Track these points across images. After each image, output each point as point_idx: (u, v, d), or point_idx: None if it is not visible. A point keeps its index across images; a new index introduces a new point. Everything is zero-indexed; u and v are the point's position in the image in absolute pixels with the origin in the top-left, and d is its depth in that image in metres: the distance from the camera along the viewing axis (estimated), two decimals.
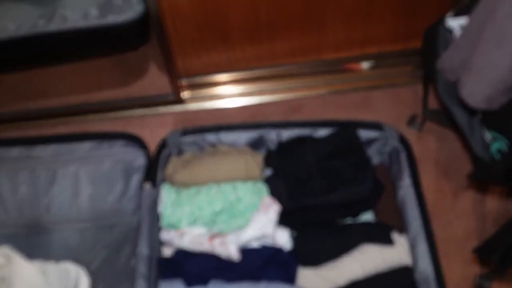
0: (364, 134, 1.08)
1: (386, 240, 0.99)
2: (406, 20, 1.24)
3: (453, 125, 1.05)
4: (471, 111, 0.90)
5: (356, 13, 1.22)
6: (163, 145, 1.07)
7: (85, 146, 1.11)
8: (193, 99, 1.35)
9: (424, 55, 1.05)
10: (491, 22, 0.72)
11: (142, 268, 0.92)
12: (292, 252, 0.98)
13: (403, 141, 1.06)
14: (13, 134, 1.24)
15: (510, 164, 0.79)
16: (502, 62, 0.73)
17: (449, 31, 0.96)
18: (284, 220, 1.00)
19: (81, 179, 1.09)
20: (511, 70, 0.72)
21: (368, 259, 0.98)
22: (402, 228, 1.01)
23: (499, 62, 0.74)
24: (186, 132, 1.08)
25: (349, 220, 1.05)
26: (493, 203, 1.17)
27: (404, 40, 1.30)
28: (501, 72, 0.74)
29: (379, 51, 1.32)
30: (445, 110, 1.01)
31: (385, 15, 1.23)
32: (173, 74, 1.24)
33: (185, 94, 1.35)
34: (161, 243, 1.01)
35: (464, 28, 0.83)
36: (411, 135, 1.25)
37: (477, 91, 0.79)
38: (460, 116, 0.94)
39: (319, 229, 1.01)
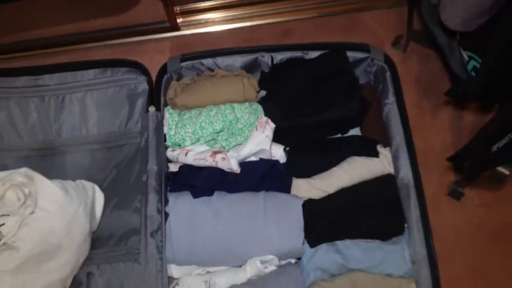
0: (352, 55, 1.12)
1: (372, 152, 1.08)
2: None
3: (435, 46, 1.11)
4: (451, 33, 0.97)
5: None
6: (163, 70, 1.12)
7: (90, 74, 1.15)
8: (188, 25, 1.38)
9: None
10: None
11: (153, 182, 1.00)
12: (286, 165, 1.06)
13: (388, 61, 1.11)
14: (16, 64, 1.26)
15: (482, 81, 0.87)
16: None
17: None
18: (278, 137, 1.07)
19: (88, 105, 1.14)
20: None
21: (355, 169, 1.06)
22: (386, 142, 1.09)
23: None
24: (185, 58, 1.12)
25: (338, 136, 1.12)
26: (469, 118, 1.26)
27: None
28: None
29: None
30: (427, 31, 1.07)
31: None
32: (169, 1, 1.26)
33: (180, 21, 1.37)
34: (167, 161, 1.09)
35: None
36: (395, 55, 1.30)
37: (454, 14, 0.85)
38: (441, 38, 1.01)
39: (311, 144, 1.08)
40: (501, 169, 0.96)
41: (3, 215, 0.92)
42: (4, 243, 0.90)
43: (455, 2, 0.84)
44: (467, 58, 0.96)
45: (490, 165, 0.96)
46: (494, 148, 0.86)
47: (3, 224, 0.92)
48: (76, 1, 1.31)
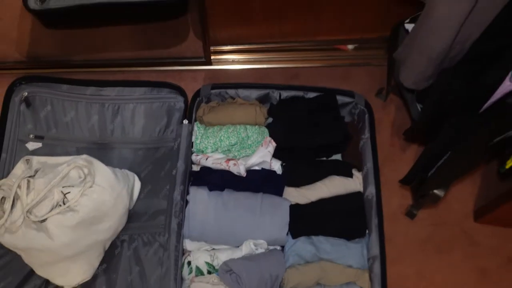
0: (341, 98, 1.33)
1: (348, 173, 1.28)
2: (383, 15, 1.52)
3: (402, 98, 1.40)
4: (410, 90, 1.25)
5: (347, 6, 1.51)
6: (197, 94, 1.35)
7: (141, 90, 1.38)
8: (218, 62, 1.62)
9: (389, 47, 1.35)
10: (416, 36, 1.08)
11: (180, 176, 1.22)
12: (281, 176, 1.26)
13: (367, 105, 1.32)
14: (84, 76, 1.48)
15: (422, 122, 1.15)
16: (421, 61, 1.07)
17: (406, 32, 1.26)
18: (278, 154, 1.26)
19: (137, 114, 1.39)
20: (427, 67, 1.06)
21: (334, 185, 1.25)
22: (360, 167, 1.30)
23: (419, 61, 1.07)
24: (214, 86, 1.35)
25: (323, 158, 1.35)
26: None
27: (381, 30, 1.56)
28: (420, 68, 1.08)
29: (361, 37, 1.61)
30: (398, 87, 1.36)
31: (368, 11, 1.53)
32: (207, 42, 1.51)
33: (212, 58, 1.61)
34: (192, 163, 1.33)
35: (409, 33, 1.16)
36: (378, 103, 1.54)
37: (408, 77, 1.12)
38: (405, 93, 1.29)
39: (302, 162, 1.28)
40: (436, 191, 1.24)
41: (69, 186, 1.20)
42: (68, 206, 1.17)
43: (408, 69, 1.12)
44: (419, 109, 1.26)
45: (426, 188, 1.23)
46: (429, 174, 1.15)
47: (68, 192, 1.18)
48: (133, 33, 1.56)
